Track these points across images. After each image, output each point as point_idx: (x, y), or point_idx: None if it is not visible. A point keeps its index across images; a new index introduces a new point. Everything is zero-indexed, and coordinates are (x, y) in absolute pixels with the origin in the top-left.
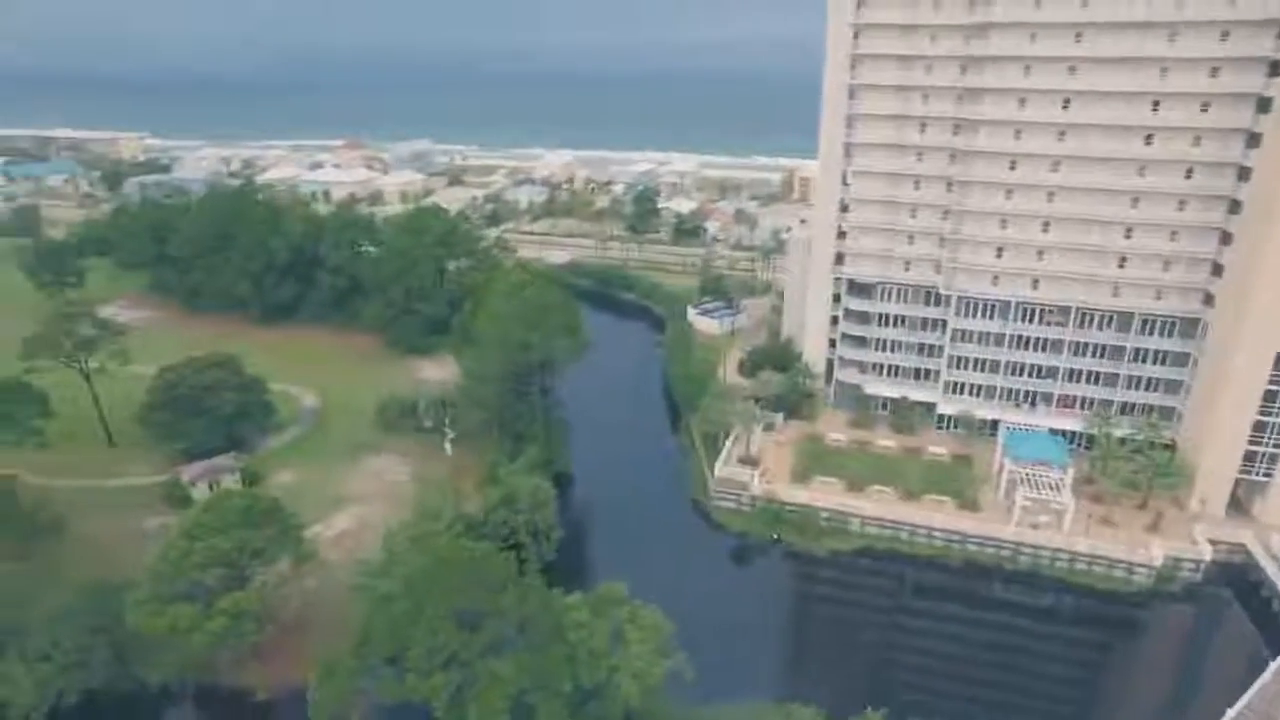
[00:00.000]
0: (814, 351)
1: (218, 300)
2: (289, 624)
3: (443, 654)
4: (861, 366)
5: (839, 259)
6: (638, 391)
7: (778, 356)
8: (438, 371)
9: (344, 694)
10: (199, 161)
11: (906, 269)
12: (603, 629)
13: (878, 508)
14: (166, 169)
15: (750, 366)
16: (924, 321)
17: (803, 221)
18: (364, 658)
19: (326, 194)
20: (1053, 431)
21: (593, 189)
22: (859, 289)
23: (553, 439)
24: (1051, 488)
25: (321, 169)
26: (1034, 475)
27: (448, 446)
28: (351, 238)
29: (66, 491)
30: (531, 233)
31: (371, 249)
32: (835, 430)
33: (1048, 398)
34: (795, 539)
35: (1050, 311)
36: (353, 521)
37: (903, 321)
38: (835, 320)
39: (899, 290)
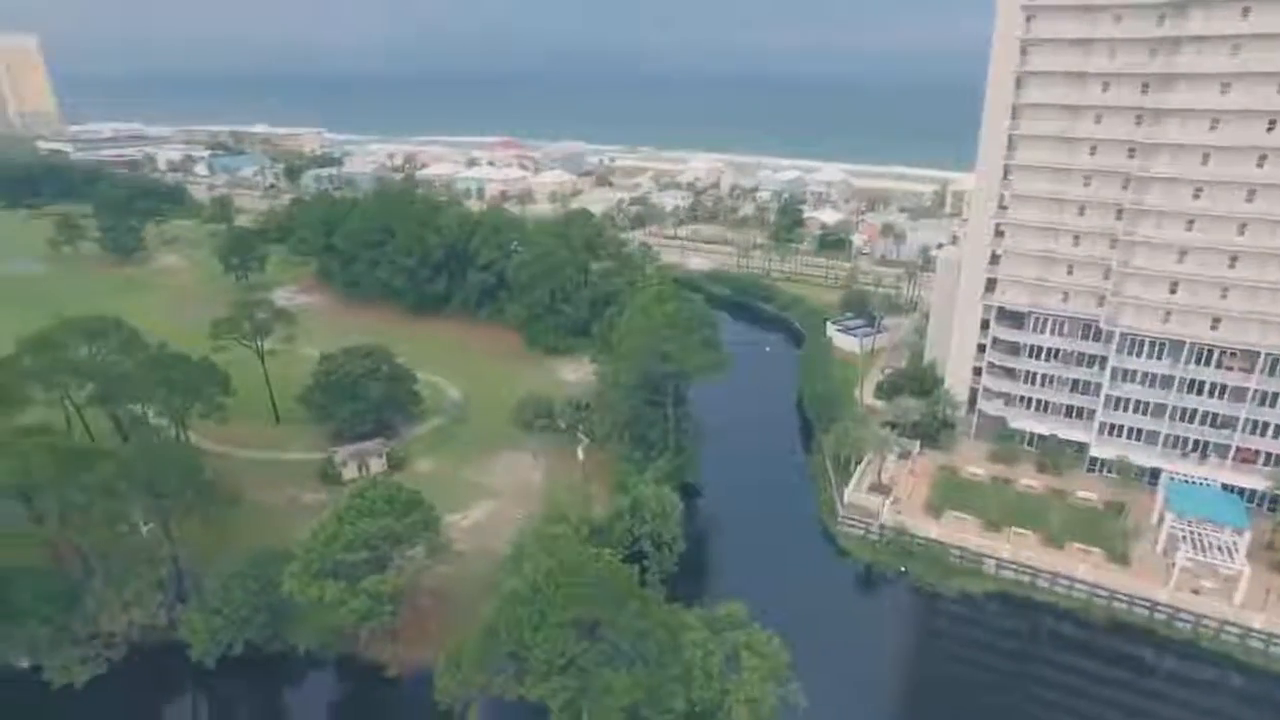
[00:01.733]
0: (957, 379)
1: (375, 290)
2: (423, 608)
3: (562, 659)
4: (1008, 399)
5: (990, 285)
6: (771, 406)
7: (918, 381)
8: (575, 373)
9: (466, 683)
10: (367, 156)
11: (1064, 300)
12: (719, 650)
13: (1015, 550)
14: (339, 163)
15: (888, 389)
16: (1080, 356)
17: (954, 240)
18: (487, 652)
19: (480, 190)
20: (1226, 488)
21: (738, 195)
22: (1010, 317)
23: (682, 450)
24: (1222, 550)
25: (477, 166)
26: (1200, 534)
27: (580, 450)
28: (502, 238)
29: (241, 462)
30: (675, 238)
31: (520, 248)
32: (974, 464)
33: (1223, 449)
34: (923, 574)
35: (1232, 355)
36: (486, 514)
37: (1056, 355)
38: (982, 348)
39: (1054, 321)
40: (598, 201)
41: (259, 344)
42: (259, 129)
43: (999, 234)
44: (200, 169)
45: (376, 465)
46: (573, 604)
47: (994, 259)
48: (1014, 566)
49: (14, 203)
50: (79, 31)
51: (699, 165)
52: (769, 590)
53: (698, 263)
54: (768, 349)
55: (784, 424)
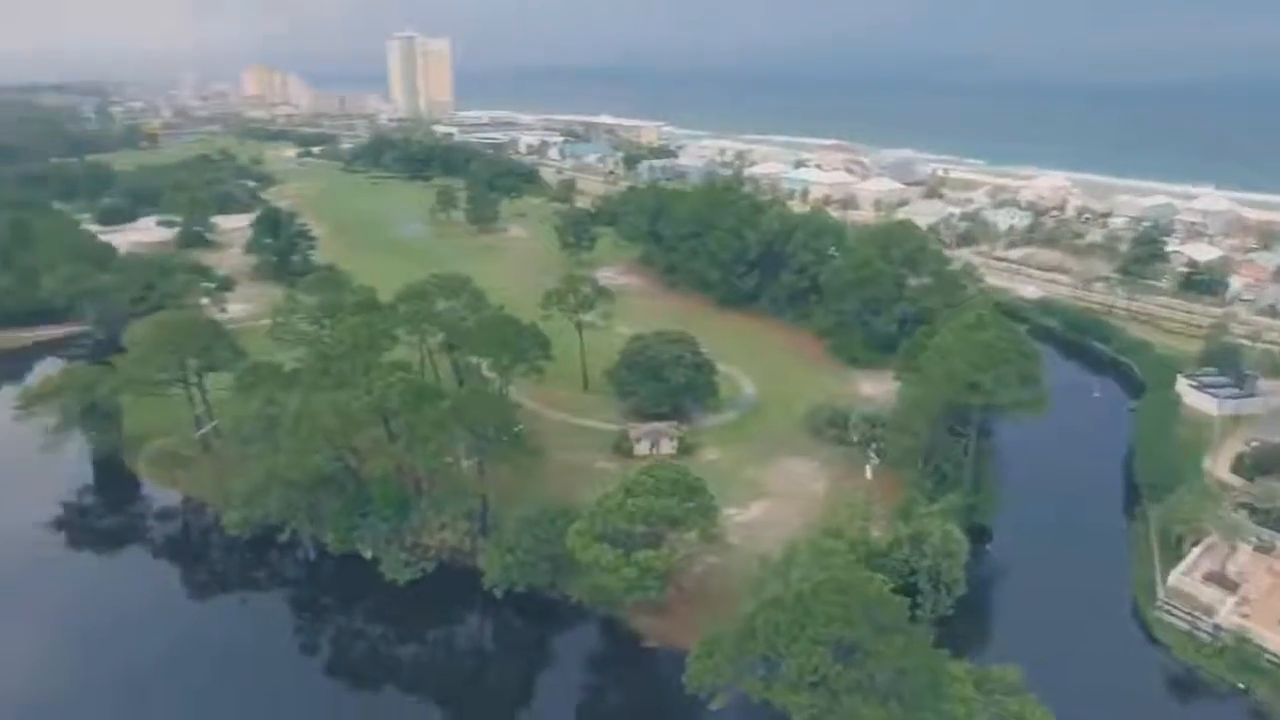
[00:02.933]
0: None
1: (689, 280)
2: (687, 591)
3: (814, 675)
4: None
5: None
6: (1090, 459)
7: None
8: (874, 388)
9: (716, 673)
10: (700, 151)
11: None
12: (985, 712)
13: None
14: (674, 155)
15: (1253, 466)
16: None
17: None
18: (741, 649)
19: (804, 193)
20: None
21: (1085, 219)
22: None
23: (979, 488)
24: None
25: (804, 168)
26: None
27: (868, 468)
28: (820, 242)
29: (549, 422)
30: (1005, 259)
31: (836, 254)
32: None
33: None
34: (1275, 703)
35: None
36: (762, 513)
37: None
38: None
39: None
40: (924, 214)
41: (579, 317)
42: (604, 119)
43: None
44: (553, 153)
45: (667, 447)
46: (835, 622)
47: None
48: None
49: (413, 176)
50: (480, 31)
51: (1043, 183)
52: (1053, 661)
53: (1027, 290)
54: (1096, 394)
55: (1104, 481)
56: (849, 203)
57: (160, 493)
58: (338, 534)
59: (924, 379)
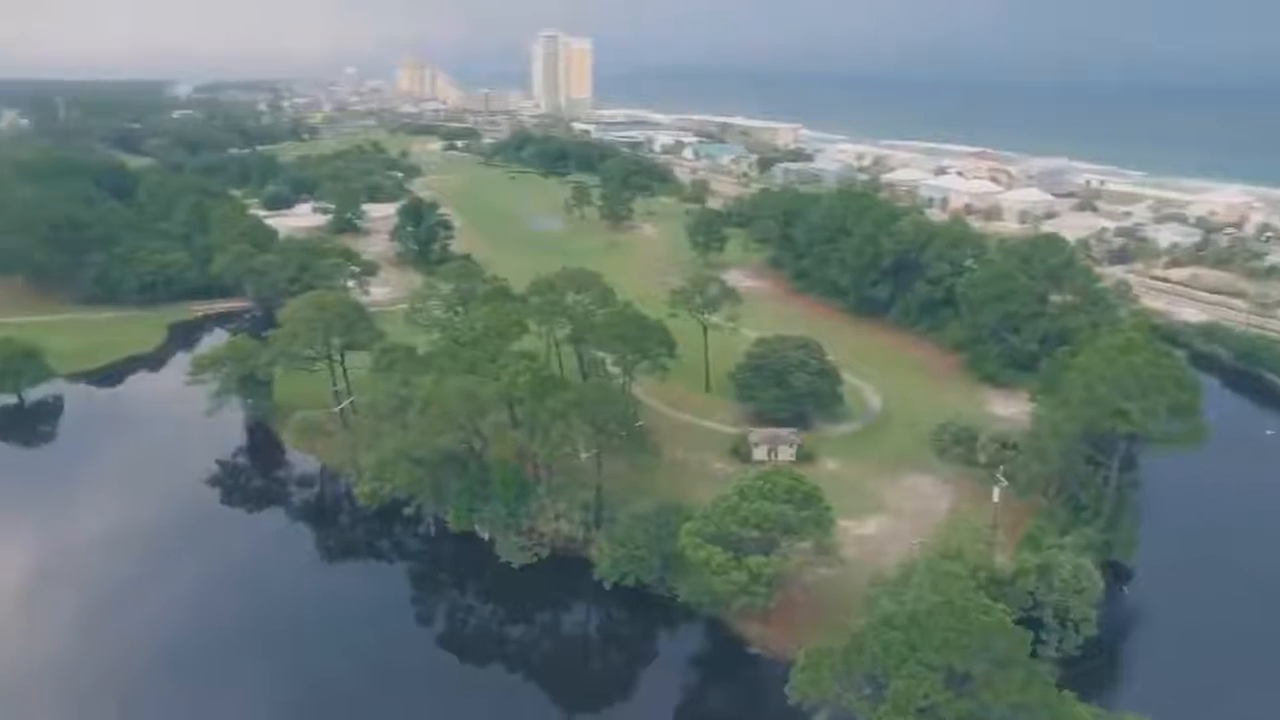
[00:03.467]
0: None
1: (819, 285)
2: (796, 601)
3: (923, 700)
4: None
5: None
6: (1258, 503)
7: None
8: (1008, 407)
9: (819, 688)
10: (836, 154)
11: None
12: None
13: None
14: (809, 158)
15: None
16: None
17: None
18: (848, 665)
19: (943, 201)
20: None
21: (1268, 238)
22: None
23: (1118, 523)
24: None
25: (944, 175)
26: None
27: (995, 491)
28: (958, 253)
29: (668, 420)
30: (1165, 280)
31: (974, 266)
32: None
33: None
34: None
35: None
36: (879, 529)
37: None
38: None
39: None
40: (1075, 228)
41: (705, 317)
42: (739, 121)
43: None
44: (687, 153)
45: (785, 454)
46: (948, 648)
47: None
48: None
49: (550, 171)
50: (622, 31)
51: (1218, 198)
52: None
53: (1189, 313)
54: (1270, 433)
55: (1271, 529)
56: (991, 213)
57: (301, 460)
58: (458, 513)
59: (1063, 402)
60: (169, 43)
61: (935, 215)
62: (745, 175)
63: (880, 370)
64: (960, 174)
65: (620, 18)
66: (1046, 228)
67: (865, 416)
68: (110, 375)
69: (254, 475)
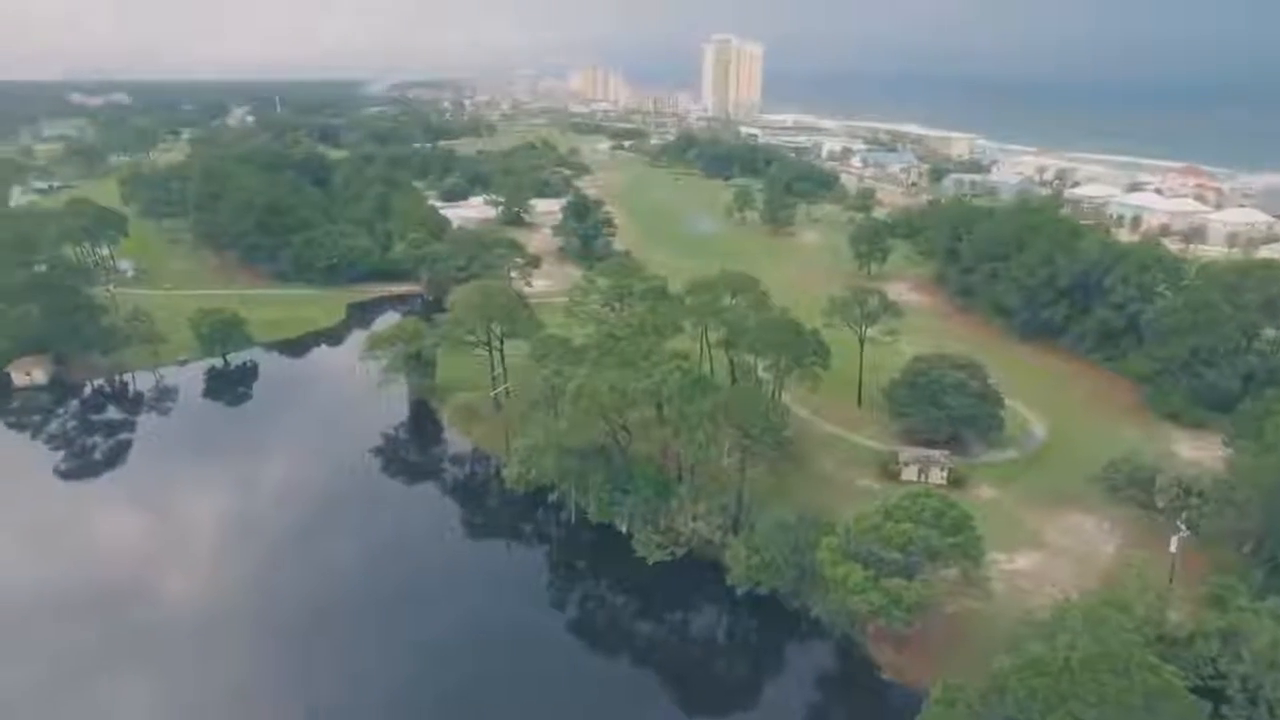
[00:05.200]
0: None
1: (985, 304)
2: (935, 630)
3: None
4: None
5: None
6: None
7: None
8: (1195, 450)
9: None
10: (1015, 166)
11: None
12: None
13: None
14: (985, 170)
15: None
16: None
17: None
18: (987, 705)
19: (1135, 220)
20: None
21: None
22: None
23: None
24: None
25: (1139, 191)
26: None
27: (1174, 539)
28: (1147, 277)
29: (816, 430)
30: None
31: (1166, 293)
32: None
33: None
34: None
35: None
36: (1033, 566)
37: None
38: None
39: None
40: None
41: (862, 329)
42: (911, 129)
43: None
44: (855, 161)
45: (936, 476)
46: (1107, 705)
47: None
48: None
49: (714, 174)
50: (794, 33)
51: None
52: None
53: None
54: None
55: None
56: (1193, 235)
57: (456, 439)
58: (599, 504)
59: (1269, 449)
60: (370, 44)
61: (1124, 235)
62: (914, 185)
63: (1048, 398)
64: (1158, 191)
65: (792, 18)
66: (1262, 253)
67: (1027, 445)
68: (297, 346)
69: (412, 449)
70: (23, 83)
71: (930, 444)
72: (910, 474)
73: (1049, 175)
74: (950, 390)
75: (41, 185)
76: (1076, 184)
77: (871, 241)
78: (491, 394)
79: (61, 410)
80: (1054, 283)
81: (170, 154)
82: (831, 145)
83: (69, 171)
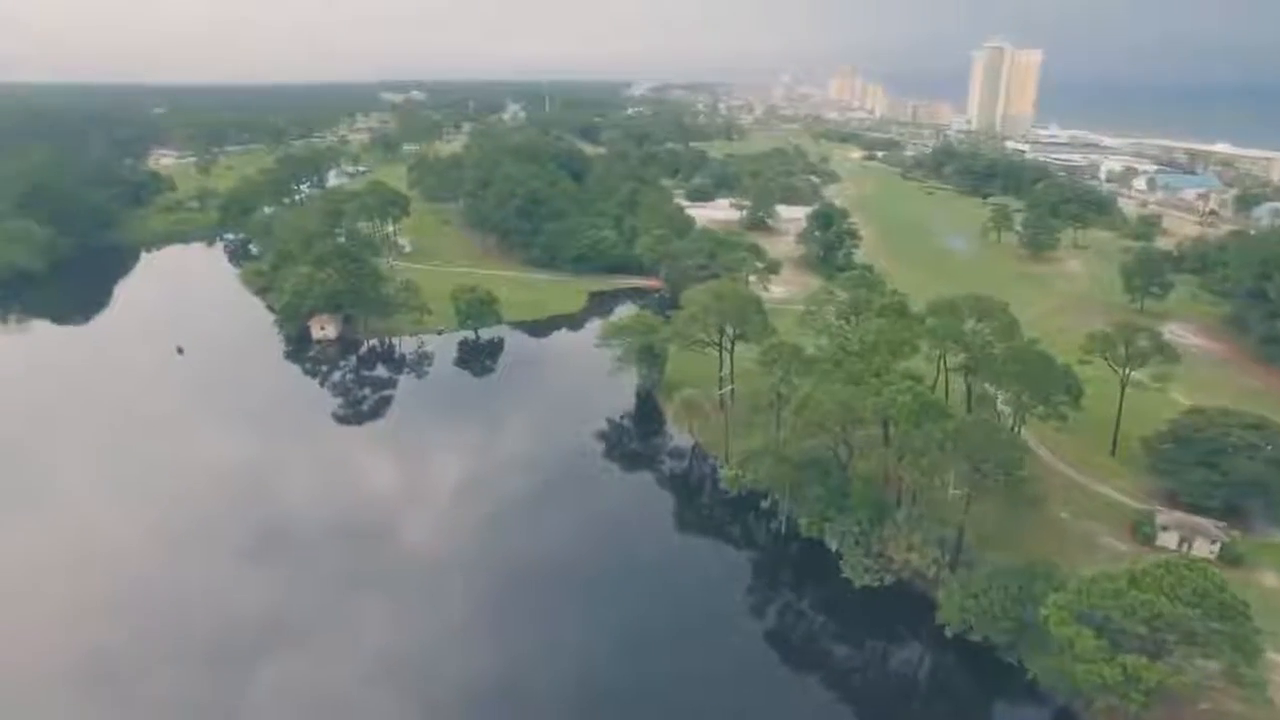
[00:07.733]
0: None
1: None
2: None
3: None
4: None
5: None
6: None
7: None
8: None
9: None
10: None
11: None
12: None
13: None
14: None
15: None
16: None
17: None
18: None
19: None
20: None
21: None
22: None
23: None
24: None
25: None
26: None
27: None
28: None
29: (1057, 474)
30: None
31: None
32: None
33: None
34: None
35: None
36: None
37: None
38: None
39: None
40: None
41: (1125, 371)
42: (1221, 148)
43: None
44: (1138, 183)
45: (1203, 548)
46: None
47: None
48: None
49: (971, 190)
50: (1078, 39)
51: None
52: None
53: None
54: None
55: None
56: None
57: (677, 434)
58: (811, 518)
59: None
60: (641, 47)
61: None
62: (1213, 214)
63: None
64: None
65: (1076, 23)
66: None
67: None
68: (540, 328)
69: (634, 438)
70: (345, 84)
71: (1199, 510)
72: (1168, 540)
73: None
74: (1232, 451)
75: (350, 169)
76: None
77: (1149, 274)
78: (717, 394)
79: (343, 363)
80: None
81: (452, 145)
82: (1111, 165)
83: (371, 158)
